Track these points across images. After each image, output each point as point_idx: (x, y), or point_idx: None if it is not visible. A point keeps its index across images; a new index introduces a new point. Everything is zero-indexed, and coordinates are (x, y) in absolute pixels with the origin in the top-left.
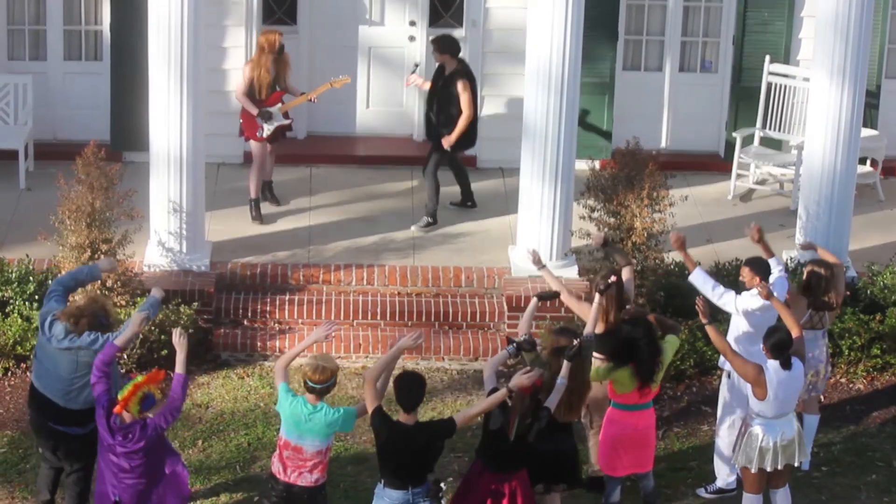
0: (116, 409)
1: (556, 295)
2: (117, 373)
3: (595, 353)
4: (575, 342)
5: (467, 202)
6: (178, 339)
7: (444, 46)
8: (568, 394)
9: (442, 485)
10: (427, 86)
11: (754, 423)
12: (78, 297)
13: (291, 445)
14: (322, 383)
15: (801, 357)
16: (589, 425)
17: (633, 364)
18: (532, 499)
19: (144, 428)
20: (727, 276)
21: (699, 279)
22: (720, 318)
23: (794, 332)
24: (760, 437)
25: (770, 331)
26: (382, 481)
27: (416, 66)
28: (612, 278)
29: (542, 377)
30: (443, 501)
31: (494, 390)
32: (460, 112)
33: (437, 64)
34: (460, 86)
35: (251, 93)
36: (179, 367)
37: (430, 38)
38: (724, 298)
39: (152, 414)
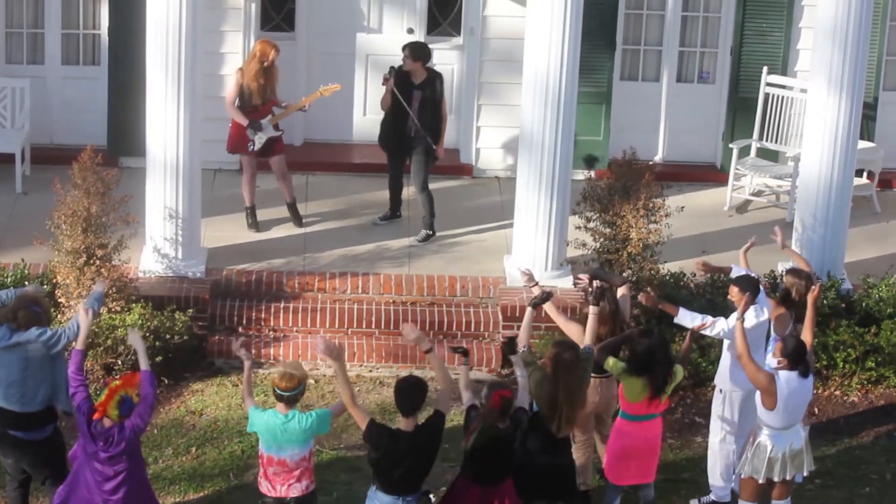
0: (96, 415)
1: (549, 298)
2: (64, 373)
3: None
4: (538, 292)
5: (398, 213)
6: (133, 338)
7: (420, 54)
8: (564, 406)
9: (431, 496)
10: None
11: (762, 434)
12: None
13: (275, 461)
14: (290, 391)
15: (811, 367)
16: (572, 440)
17: (649, 375)
18: None
19: (122, 430)
20: (722, 288)
21: (686, 319)
22: (707, 341)
23: (808, 340)
24: (770, 447)
25: (784, 340)
26: (375, 486)
27: (392, 69)
28: (590, 282)
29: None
30: None
31: (473, 407)
32: (440, 117)
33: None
34: (444, 90)
35: (242, 103)
36: (143, 363)
37: (403, 45)
38: (716, 327)
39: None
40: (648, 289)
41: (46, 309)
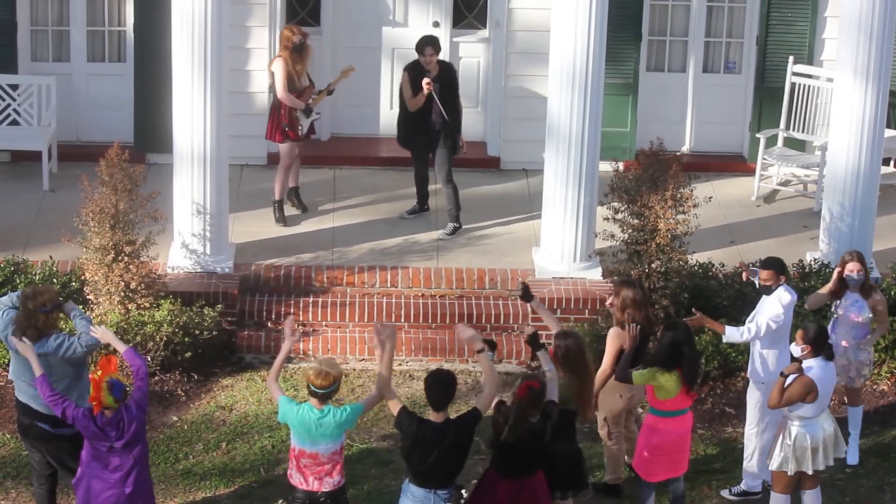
0: (95, 409)
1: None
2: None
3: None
4: (527, 328)
5: (425, 207)
6: (101, 332)
7: (440, 47)
8: (586, 391)
9: (463, 491)
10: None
11: (796, 426)
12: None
13: (307, 453)
14: (326, 388)
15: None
16: (607, 437)
17: (680, 369)
18: (550, 499)
19: (129, 409)
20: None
21: (734, 335)
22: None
23: None
24: (807, 438)
25: (806, 328)
26: (408, 478)
27: (428, 71)
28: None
29: (538, 379)
30: None
31: (501, 402)
32: (458, 108)
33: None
34: (456, 82)
35: (293, 88)
36: (119, 346)
37: (422, 39)
38: (757, 329)
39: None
40: (693, 310)
41: (51, 299)
